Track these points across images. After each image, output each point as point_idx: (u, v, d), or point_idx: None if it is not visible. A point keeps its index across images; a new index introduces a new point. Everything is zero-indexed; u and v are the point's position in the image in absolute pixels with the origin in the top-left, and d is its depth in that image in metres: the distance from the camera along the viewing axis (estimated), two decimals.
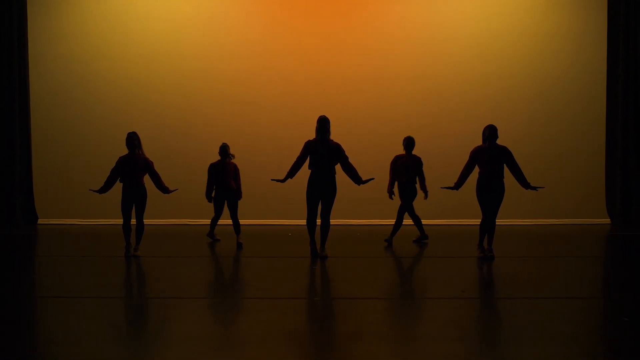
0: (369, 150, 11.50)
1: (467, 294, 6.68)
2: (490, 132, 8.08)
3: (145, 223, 8.65)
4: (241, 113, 12.00)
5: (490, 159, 8.07)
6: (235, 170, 9.65)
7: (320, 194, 8.28)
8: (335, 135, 8.43)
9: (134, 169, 8.43)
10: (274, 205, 11.71)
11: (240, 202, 9.69)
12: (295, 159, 8.38)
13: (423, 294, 7.00)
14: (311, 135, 8.43)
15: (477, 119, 11.39)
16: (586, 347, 5.08)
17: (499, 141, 8.16)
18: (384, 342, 5.18)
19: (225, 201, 9.62)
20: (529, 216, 11.79)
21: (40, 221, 12.02)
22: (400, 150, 9.53)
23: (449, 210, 11.48)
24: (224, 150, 9.59)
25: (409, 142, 9.44)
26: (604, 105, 12.10)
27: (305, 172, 8.40)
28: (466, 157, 8.24)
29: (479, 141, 8.35)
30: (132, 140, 8.45)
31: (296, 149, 8.48)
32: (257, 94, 11.99)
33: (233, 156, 9.69)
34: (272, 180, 8.49)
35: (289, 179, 8.43)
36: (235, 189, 9.60)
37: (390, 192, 9.46)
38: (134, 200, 8.49)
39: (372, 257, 8.79)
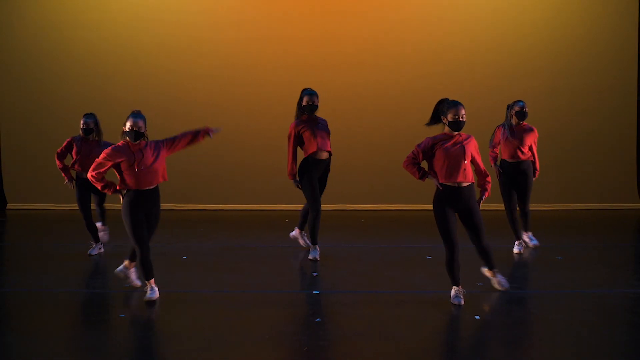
0: (372, 129, 11.52)
1: (485, 287, 6.64)
2: (518, 111, 8.10)
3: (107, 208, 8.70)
4: (232, 89, 11.83)
5: (518, 141, 8.10)
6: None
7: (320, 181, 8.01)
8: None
9: (90, 157, 8.04)
10: (267, 189, 11.57)
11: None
12: (289, 150, 7.85)
13: (430, 287, 6.89)
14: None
15: (492, 94, 11.36)
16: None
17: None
18: (390, 342, 5.19)
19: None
20: (553, 201, 11.72)
21: (9, 206, 12.01)
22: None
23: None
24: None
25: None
26: (635, 79, 11.91)
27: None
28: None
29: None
30: (88, 126, 8.14)
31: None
32: (248, 65, 11.84)
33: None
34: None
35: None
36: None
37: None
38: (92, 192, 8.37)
39: (377, 246, 8.75)
